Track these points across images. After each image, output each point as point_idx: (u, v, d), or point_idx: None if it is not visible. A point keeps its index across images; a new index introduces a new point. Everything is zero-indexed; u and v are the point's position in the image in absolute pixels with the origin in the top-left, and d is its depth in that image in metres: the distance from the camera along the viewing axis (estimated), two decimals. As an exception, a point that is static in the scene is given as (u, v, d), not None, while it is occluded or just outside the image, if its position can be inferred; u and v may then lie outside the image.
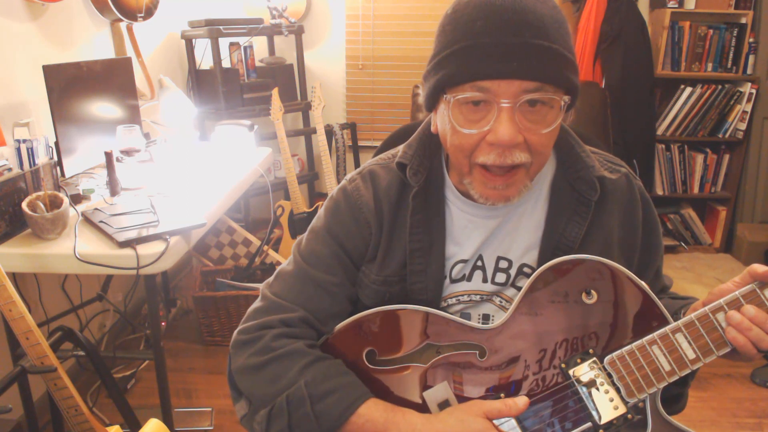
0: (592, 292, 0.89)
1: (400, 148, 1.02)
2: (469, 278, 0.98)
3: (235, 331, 0.98)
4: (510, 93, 0.80)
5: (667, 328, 0.85)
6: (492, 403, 0.86)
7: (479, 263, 0.98)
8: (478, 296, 0.98)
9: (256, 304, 1.00)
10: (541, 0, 0.81)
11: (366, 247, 0.99)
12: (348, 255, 1.00)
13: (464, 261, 0.98)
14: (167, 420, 1.84)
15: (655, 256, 1.03)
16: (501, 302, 0.98)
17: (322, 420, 0.86)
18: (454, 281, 0.98)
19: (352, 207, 1.00)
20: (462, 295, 0.98)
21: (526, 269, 0.97)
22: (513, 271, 0.97)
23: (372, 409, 0.87)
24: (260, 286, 1.01)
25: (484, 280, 0.98)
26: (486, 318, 0.99)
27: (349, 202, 1.00)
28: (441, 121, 0.90)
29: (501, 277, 0.98)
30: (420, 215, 0.97)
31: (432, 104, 0.92)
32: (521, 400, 0.86)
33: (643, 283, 0.89)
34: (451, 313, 0.98)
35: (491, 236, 0.97)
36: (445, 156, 1.00)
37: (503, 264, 0.97)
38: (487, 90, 0.80)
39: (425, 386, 0.92)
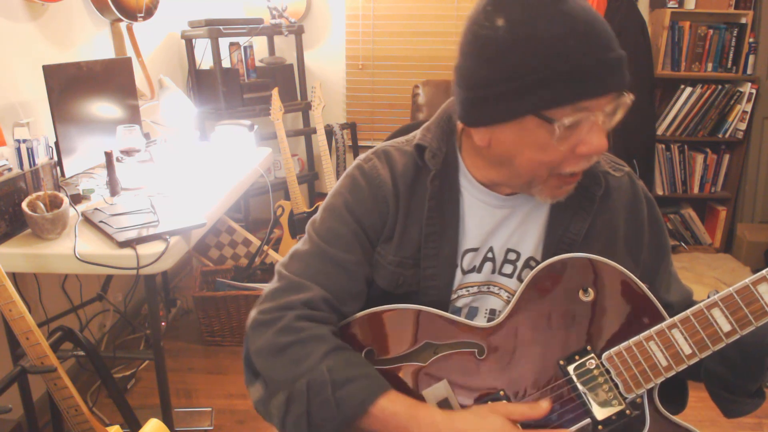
0: (589, 289, 0.90)
1: (416, 133, 1.03)
2: (480, 270, 0.98)
3: (253, 312, 0.95)
4: (603, 106, 0.81)
5: (663, 324, 0.85)
6: (517, 406, 0.86)
7: (489, 255, 0.98)
8: (486, 287, 0.99)
9: (274, 284, 0.98)
10: (589, 5, 0.82)
11: (383, 225, 0.99)
12: (365, 233, 0.98)
13: (474, 249, 0.98)
14: (167, 420, 1.84)
15: (665, 256, 1.03)
16: (508, 297, 0.99)
17: (343, 407, 0.84)
18: (465, 272, 0.98)
19: (370, 184, 0.99)
20: (471, 286, 0.99)
21: (532, 263, 0.98)
22: (520, 264, 0.98)
23: (394, 402, 0.86)
24: (262, 285, 1.00)
25: (493, 271, 0.99)
26: (493, 313, 0.99)
27: (367, 179, 1.00)
28: (517, 139, 0.85)
29: (508, 269, 0.98)
30: (436, 199, 0.97)
31: (493, 121, 0.86)
32: (543, 404, 0.86)
33: (638, 281, 0.89)
34: (460, 306, 0.99)
35: (500, 226, 0.98)
36: (459, 141, 1.00)
37: (512, 256, 0.98)
38: (589, 109, 0.80)
39: (424, 385, 0.92)
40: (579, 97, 0.79)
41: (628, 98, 0.83)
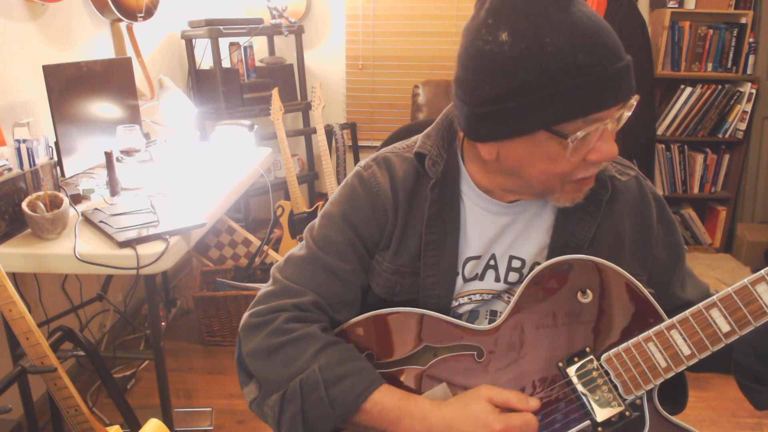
0: (588, 291, 0.90)
1: (417, 138, 1.02)
2: (482, 277, 0.98)
3: (246, 314, 0.96)
4: (614, 114, 0.80)
5: (662, 325, 0.85)
6: (501, 391, 0.86)
7: (492, 262, 0.98)
8: (489, 295, 0.98)
9: (267, 287, 0.98)
10: (593, 11, 0.80)
11: (381, 234, 0.98)
12: (363, 242, 0.98)
13: (476, 257, 0.97)
14: (167, 420, 1.84)
15: (679, 254, 1.03)
16: (510, 299, 0.98)
17: (336, 404, 0.85)
18: (467, 280, 0.98)
19: (369, 193, 0.98)
20: (474, 294, 0.98)
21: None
22: (526, 270, 0.97)
23: (386, 396, 0.86)
24: (262, 285, 1.00)
25: (497, 279, 0.98)
26: (494, 314, 0.99)
27: (366, 188, 0.99)
28: (527, 153, 0.84)
29: (514, 277, 0.98)
30: (436, 207, 0.96)
31: (502, 137, 0.84)
32: (533, 401, 0.86)
33: (637, 282, 0.89)
34: (462, 313, 0.98)
35: (502, 233, 0.97)
36: (460, 148, 0.99)
37: (516, 263, 0.98)
38: (601, 119, 0.79)
39: (424, 388, 0.92)
40: (591, 110, 0.78)
41: (634, 100, 0.83)
